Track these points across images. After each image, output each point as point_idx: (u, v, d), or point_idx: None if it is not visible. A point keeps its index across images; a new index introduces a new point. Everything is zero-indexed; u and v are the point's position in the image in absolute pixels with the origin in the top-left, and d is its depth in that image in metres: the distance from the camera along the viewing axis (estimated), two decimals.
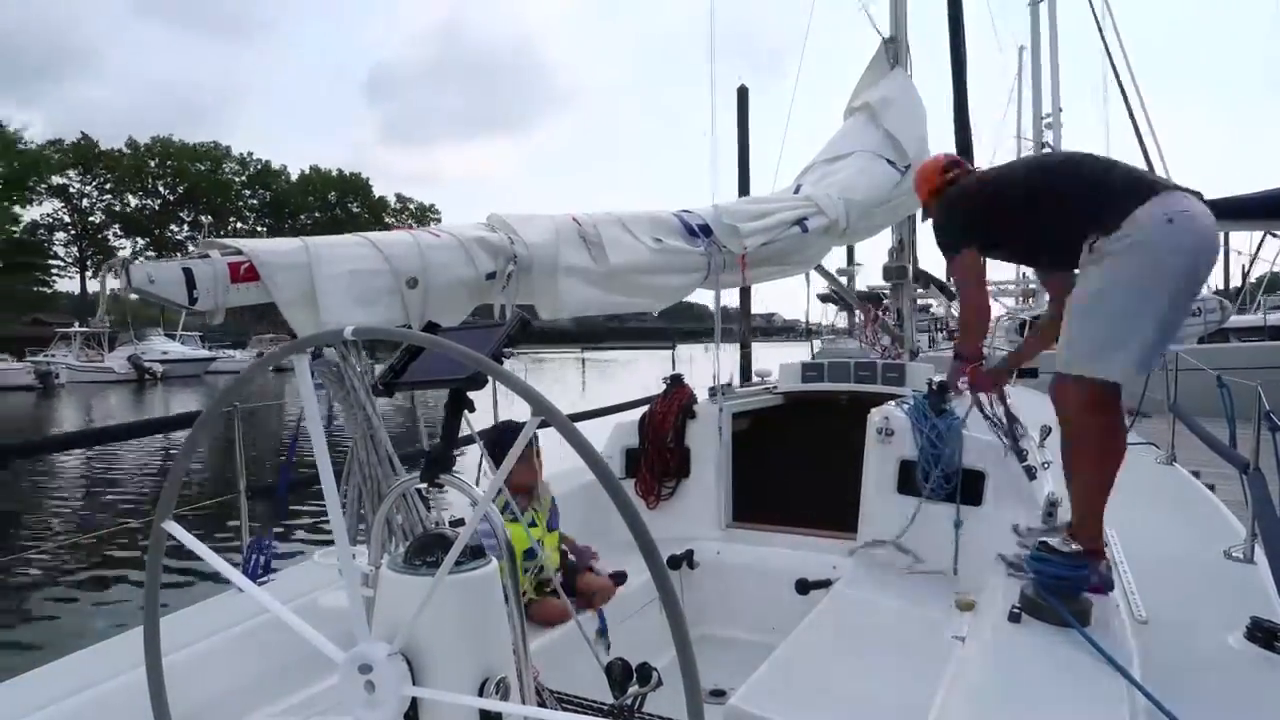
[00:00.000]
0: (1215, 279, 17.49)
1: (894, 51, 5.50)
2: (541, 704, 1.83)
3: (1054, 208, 2.35)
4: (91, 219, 70.47)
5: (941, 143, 5.90)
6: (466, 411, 1.40)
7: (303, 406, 1.14)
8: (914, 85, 5.26)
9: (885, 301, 6.58)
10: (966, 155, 6.12)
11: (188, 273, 1.90)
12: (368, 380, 1.98)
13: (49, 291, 65.59)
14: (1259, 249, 19.78)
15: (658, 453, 4.23)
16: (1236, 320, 16.16)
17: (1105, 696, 1.81)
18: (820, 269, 5.37)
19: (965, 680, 2.02)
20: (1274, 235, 17.67)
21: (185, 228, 74.21)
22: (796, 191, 4.12)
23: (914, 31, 5.80)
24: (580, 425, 1.07)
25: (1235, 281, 21.86)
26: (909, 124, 4.70)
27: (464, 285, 2.44)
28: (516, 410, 2.03)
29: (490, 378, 1.25)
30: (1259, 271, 20.55)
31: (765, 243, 3.52)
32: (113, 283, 1.87)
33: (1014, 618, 2.20)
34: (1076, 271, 2.32)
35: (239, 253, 2.01)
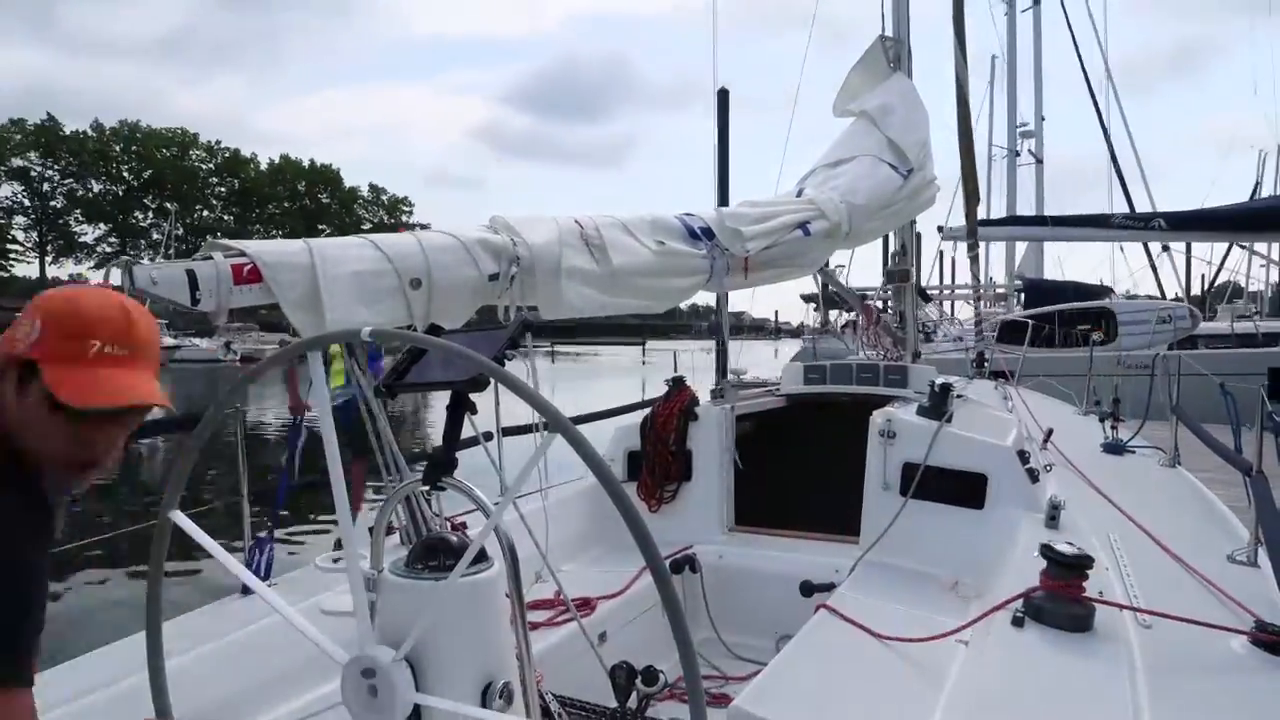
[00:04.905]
0: (1176, 287, 18.21)
1: (894, 52, 5.48)
2: (545, 709, 1.82)
3: None
4: (53, 203, 68.60)
5: (942, 142, 5.89)
6: (469, 414, 1.40)
7: (314, 403, 1.14)
8: (915, 88, 5.23)
9: (871, 302, 6.59)
10: (968, 156, 6.12)
11: (190, 274, 1.90)
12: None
13: (6, 276, 63.30)
14: (1224, 260, 20.41)
15: (659, 455, 4.22)
16: (1205, 327, 16.43)
17: (1109, 701, 1.81)
18: (822, 272, 5.38)
19: (969, 685, 2.02)
20: (1241, 246, 18.02)
21: (150, 215, 72.12)
22: (799, 195, 4.11)
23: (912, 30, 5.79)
24: (581, 427, 1.06)
25: (1195, 289, 22.71)
26: (911, 129, 4.69)
27: (467, 286, 2.45)
28: (518, 412, 2.02)
29: (491, 380, 1.25)
30: (1222, 280, 21.32)
31: (767, 246, 3.51)
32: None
33: (1017, 622, 2.20)
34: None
35: (242, 254, 2.01)
